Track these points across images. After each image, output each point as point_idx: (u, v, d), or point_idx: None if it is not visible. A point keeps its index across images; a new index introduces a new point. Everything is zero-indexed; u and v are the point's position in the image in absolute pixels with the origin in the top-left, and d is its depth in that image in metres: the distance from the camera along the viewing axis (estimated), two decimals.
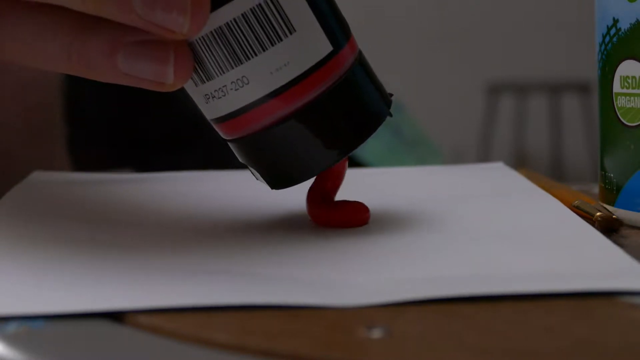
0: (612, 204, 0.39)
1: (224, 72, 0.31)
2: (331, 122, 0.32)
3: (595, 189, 0.45)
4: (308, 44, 0.31)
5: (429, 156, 0.77)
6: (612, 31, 0.38)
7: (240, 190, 0.43)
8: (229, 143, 0.34)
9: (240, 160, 0.34)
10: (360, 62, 0.34)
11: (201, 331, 0.25)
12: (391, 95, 0.35)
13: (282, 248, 0.34)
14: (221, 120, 0.32)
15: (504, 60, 3.41)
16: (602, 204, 0.40)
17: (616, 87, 0.38)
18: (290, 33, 0.31)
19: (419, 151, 0.77)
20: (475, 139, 3.34)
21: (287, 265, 0.31)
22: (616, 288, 0.28)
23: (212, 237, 0.36)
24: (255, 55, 0.31)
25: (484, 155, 3.23)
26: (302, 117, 0.32)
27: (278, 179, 0.34)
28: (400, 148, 0.75)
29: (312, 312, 0.26)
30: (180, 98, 0.63)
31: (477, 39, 3.43)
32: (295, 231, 0.36)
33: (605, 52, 0.39)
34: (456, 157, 3.14)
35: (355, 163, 0.72)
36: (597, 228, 0.36)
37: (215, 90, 0.32)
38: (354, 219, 0.36)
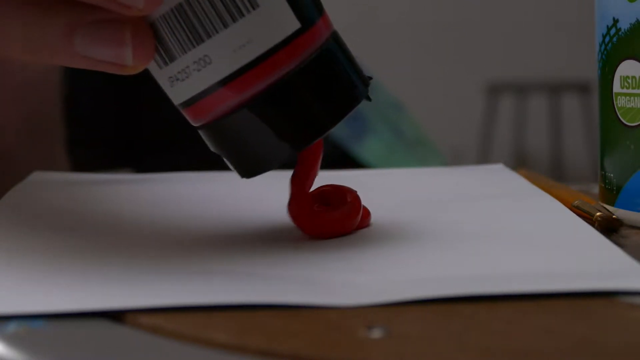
0: (612, 204, 0.39)
1: (185, 52, 0.30)
2: (301, 103, 0.31)
3: (595, 189, 0.45)
4: (273, 21, 0.30)
5: (429, 157, 0.77)
6: (612, 31, 0.38)
7: (240, 190, 0.43)
8: (198, 131, 0.32)
9: (211, 149, 0.33)
10: (335, 41, 0.32)
11: (201, 331, 0.25)
12: (370, 78, 0.33)
13: (282, 248, 0.34)
14: (186, 104, 0.31)
15: (504, 60, 3.42)
16: (602, 204, 0.40)
17: (616, 87, 0.38)
18: (254, 8, 0.30)
19: (419, 152, 0.77)
20: (475, 139, 3.34)
21: (287, 265, 0.31)
22: (616, 288, 0.28)
23: (211, 237, 0.36)
24: (217, 32, 0.29)
25: (483, 155, 3.23)
26: (268, 98, 0.30)
27: (249, 167, 0.32)
28: (401, 148, 0.75)
29: (312, 312, 0.26)
30: None
31: (477, 39, 3.43)
32: (295, 231, 0.36)
33: (605, 52, 0.39)
34: (456, 157, 3.14)
35: (355, 163, 0.72)
36: (597, 228, 0.36)
37: (178, 72, 0.30)
38: (346, 225, 0.35)
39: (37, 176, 0.46)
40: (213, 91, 0.30)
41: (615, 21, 0.38)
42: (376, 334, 0.25)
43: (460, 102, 3.42)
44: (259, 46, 0.30)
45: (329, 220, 0.35)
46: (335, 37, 0.32)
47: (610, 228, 0.37)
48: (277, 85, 0.30)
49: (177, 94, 0.31)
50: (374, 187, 0.45)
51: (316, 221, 0.35)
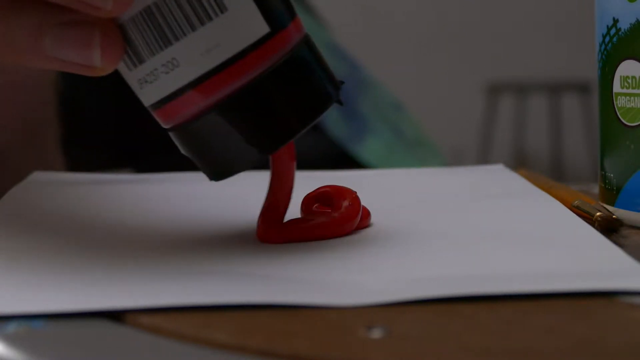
0: (612, 204, 0.39)
1: (154, 54, 0.30)
2: (270, 107, 0.31)
3: (595, 189, 0.45)
4: (241, 25, 0.30)
5: (429, 157, 0.77)
6: (612, 31, 0.38)
7: (240, 190, 0.43)
8: (169, 133, 0.32)
9: (182, 152, 0.32)
10: (307, 44, 0.32)
11: (201, 331, 0.25)
12: (342, 82, 0.33)
13: (282, 248, 0.34)
14: (155, 106, 0.31)
15: (504, 60, 3.41)
16: (602, 204, 0.40)
17: (616, 87, 0.38)
18: (222, 12, 0.29)
19: (419, 152, 0.77)
20: (475, 139, 3.34)
21: (287, 265, 0.31)
22: (616, 288, 0.28)
23: (211, 237, 0.36)
24: (185, 35, 0.29)
25: (483, 155, 3.23)
26: (237, 101, 0.30)
27: (217, 170, 0.32)
28: (401, 148, 0.75)
29: (312, 312, 0.26)
30: None
31: (477, 39, 3.43)
32: None
33: (605, 52, 0.39)
34: (456, 157, 3.14)
35: (355, 163, 0.72)
36: (597, 228, 0.36)
37: (147, 75, 0.30)
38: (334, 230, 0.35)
39: (37, 176, 0.46)
40: (181, 94, 0.30)
41: (615, 21, 0.38)
42: (376, 334, 0.25)
43: (460, 102, 3.42)
44: (227, 50, 0.30)
45: (300, 232, 0.35)
46: (307, 41, 0.32)
47: (610, 228, 0.37)
48: (245, 89, 0.30)
49: (147, 96, 0.31)
50: (374, 187, 0.45)
51: (287, 236, 0.35)
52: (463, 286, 0.28)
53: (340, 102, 0.33)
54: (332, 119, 0.72)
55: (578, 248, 0.33)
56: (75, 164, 0.62)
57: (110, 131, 0.72)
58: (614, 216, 0.37)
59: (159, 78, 0.30)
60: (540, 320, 0.26)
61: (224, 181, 0.44)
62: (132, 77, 0.31)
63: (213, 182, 0.46)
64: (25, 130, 0.56)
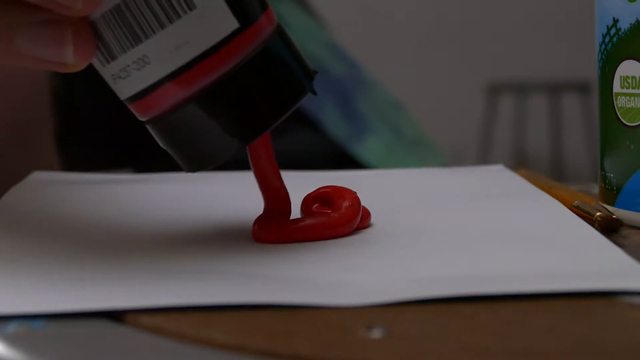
0: (612, 204, 0.39)
1: (125, 52, 0.30)
2: (242, 100, 0.31)
3: (595, 189, 0.45)
4: (210, 21, 0.30)
5: (429, 156, 0.77)
6: (612, 31, 0.38)
7: (240, 190, 0.43)
8: (146, 126, 0.33)
9: (160, 144, 0.33)
10: (280, 35, 0.32)
11: (201, 331, 0.25)
12: (315, 72, 0.33)
13: (282, 248, 0.34)
14: (129, 101, 0.32)
15: (504, 60, 3.41)
16: (602, 204, 0.40)
17: (616, 87, 0.38)
18: (190, 10, 0.30)
19: (419, 151, 0.77)
20: (475, 139, 3.34)
21: (287, 266, 0.31)
22: (616, 288, 0.28)
23: (211, 237, 0.36)
24: (154, 33, 0.30)
25: (483, 155, 3.23)
26: (208, 97, 0.30)
27: (193, 162, 0.32)
28: (401, 148, 0.75)
29: (312, 312, 0.26)
30: None
31: (477, 39, 3.42)
32: None
33: (605, 52, 0.39)
34: (456, 157, 3.14)
35: (355, 163, 0.72)
36: (597, 228, 0.36)
37: (119, 71, 0.31)
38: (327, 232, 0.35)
39: (37, 176, 0.46)
40: (154, 89, 0.31)
41: (615, 21, 0.38)
42: (376, 334, 0.25)
43: (460, 102, 3.41)
44: (196, 47, 0.30)
45: (295, 231, 0.35)
46: (280, 32, 0.32)
47: (610, 228, 0.37)
48: (218, 83, 0.30)
49: (120, 91, 0.32)
50: (374, 187, 0.45)
51: (284, 235, 0.35)
52: (463, 286, 0.28)
53: (314, 92, 0.33)
54: (332, 119, 0.72)
55: (578, 248, 0.33)
56: (72, 163, 0.62)
57: (107, 129, 0.71)
58: (614, 216, 0.37)
59: (131, 74, 0.31)
60: (540, 320, 0.26)
61: (224, 181, 0.44)
62: (105, 72, 0.32)
63: (213, 182, 0.46)
64: (18, 128, 0.56)
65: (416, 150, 0.77)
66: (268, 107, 0.32)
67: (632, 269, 0.30)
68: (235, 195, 0.43)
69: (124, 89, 0.31)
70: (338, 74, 0.74)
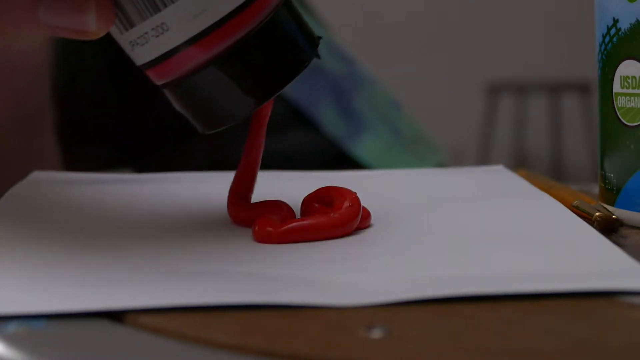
0: (612, 204, 0.39)
1: (144, 19, 0.32)
2: (253, 66, 0.33)
3: (595, 189, 0.45)
4: None
5: (427, 154, 0.77)
6: (612, 31, 0.38)
7: None
8: (162, 90, 0.34)
9: (175, 106, 0.34)
10: (286, 4, 0.34)
11: (201, 331, 0.25)
12: (319, 38, 0.35)
13: (282, 248, 0.34)
14: (147, 66, 0.33)
15: (504, 60, 3.41)
16: (602, 204, 0.40)
17: (616, 87, 0.38)
18: None
19: (417, 149, 0.77)
20: (475, 139, 3.34)
21: (287, 266, 0.31)
22: (616, 288, 0.28)
23: (211, 237, 0.36)
24: (173, 2, 0.31)
25: (483, 155, 3.23)
26: (223, 62, 0.32)
27: (207, 122, 0.34)
28: (398, 146, 0.75)
29: (312, 312, 0.26)
30: None
31: (477, 39, 3.43)
32: None
33: (605, 52, 0.39)
34: (456, 157, 3.14)
35: (352, 161, 0.72)
36: (596, 228, 0.36)
37: (138, 38, 0.32)
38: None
39: (37, 176, 0.46)
40: (171, 55, 0.32)
41: (615, 21, 0.38)
42: (376, 334, 0.25)
43: (460, 102, 3.41)
44: (213, 14, 0.32)
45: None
46: (286, 1, 0.34)
47: (609, 228, 0.37)
48: (233, 48, 0.32)
49: (138, 57, 0.33)
50: (374, 188, 0.45)
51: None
52: (463, 286, 0.28)
53: (318, 57, 0.35)
54: (329, 118, 0.72)
55: (578, 248, 0.33)
56: (73, 157, 0.62)
57: (111, 131, 0.71)
58: (613, 216, 0.37)
59: (149, 41, 0.32)
60: (540, 320, 0.26)
61: (224, 181, 0.44)
62: (123, 39, 0.33)
63: (213, 182, 0.46)
64: (18, 116, 0.56)
65: (414, 148, 0.77)
66: (277, 72, 0.33)
67: (632, 269, 0.30)
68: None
69: (142, 55, 0.33)
70: (336, 72, 0.74)
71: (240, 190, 0.37)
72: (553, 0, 3.40)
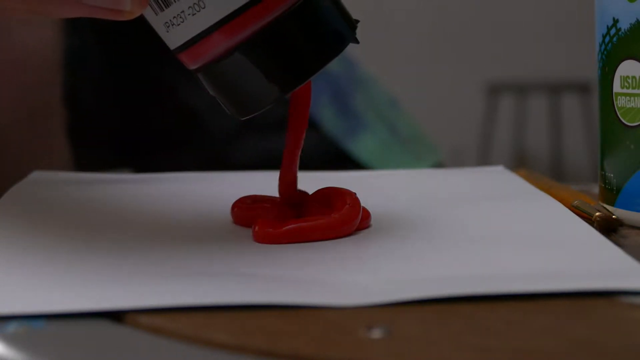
0: (612, 204, 0.39)
1: None
2: (291, 45, 0.32)
3: (595, 189, 0.45)
4: None
5: (426, 154, 0.77)
6: (612, 31, 0.38)
7: (240, 190, 0.43)
8: (196, 75, 0.34)
9: (209, 91, 0.34)
10: None
11: (201, 331, 0.25)
12: (357, 21, 0.34)
13: (282, 248, 0.34)
14: (182, 48, 0.32)
15: (504, 60, 3.41)
16: (602, 204, 0.40)
17: (616, 87, 0.38)
18: None
19: (415, 149, 0.77)
20: (475, 139, 3.34)
21: (288, 266, 0.31)
22: (616, 288, 0.28)
23: (212, 237, 0.36)
24: None
25: (483, 155, 3.23)
26: (259, 41, 0.32)
27: (243, 107, 0.33)
28: (397, 146, 0.75)
29: (312, 312, 0.26)
30: (179, 97, 0.63)
31: (477, 39, 3.42)
32: None
33: (605, 52, 0.39)
34: (456, 157, 3.14)
35: (350, 160, 0.72)
36: (596, 228, 0.36)
37: (174, 17, 0.32)
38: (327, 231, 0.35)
39: (37, 175, 0.46)
40: (207, 35, 0.32)
41: (615, 21, 0.38)
42: (376, 334, 0.25)
43: (460, 102, 3.41)
44: None
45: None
46: None
47: (609, 228, 0.37)
48: (267, 28, 0.31)
49: (173, 39, 0.32)
50: (374, 188, 0.45)
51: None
52: (463, 286, 0.28)
53: (356, 41, 0.34)
54: (327, 116, 0.72)
55: (578, 248, 0.33)
56: (78, 164, 0.62)
57: (111, 131, 0.71)
58: (613, 216, 0.37)
59: (185, 20, 0.32)
60: (540, 320, 0.26)
61: (224, 181, 0.44)
62: (158, 20, 0.32)
63: (213, 182, 0.46)
64: (28, 111, 0.56)
65: (412, 147, 0.77)
66: (312, 55, 0.33)
67: (632, 269, 0.30)
68: (236, 195, 0.43)
69: (177, 37, 0.32)
70: (334, 71, 0.74)
71: (288, 177, 0.37)
72: (553, 0, 3.40)
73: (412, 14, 3.40)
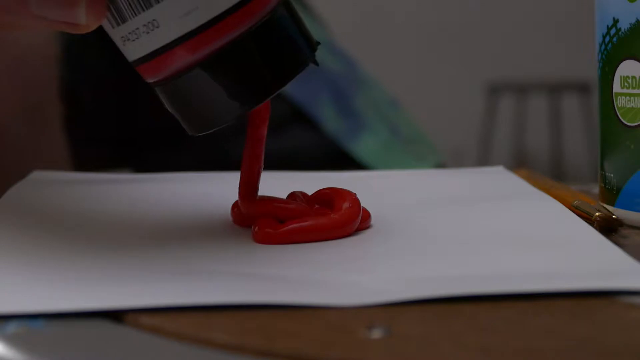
0: (612, 204, 0.39)
1: (135, 15, 0.31)
2: (246, 68, 0.32)
3: (595, 189, 0.45)
4: None
5: (426, 154, 0.77)
6: (612, 31, 0.38)
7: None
8: (154, 88, 0.34)
9: (166, 107, 0.34)
10: (285, 6, 0.33)
11: (201, 331, 0.25)
12: (318, 43, 0.34)
13: (282, 249, 0.34)
14: (137, 63, 0.33)
15: (504, 60, 3.41)
16: (602, 204, 0.40)
17: (616, 87, 0.38)
18: None
19: (416, 149, 0.77)
20: (475, 139, 3.34)
21: (287, 265, 0.31)
22: (616, 288, 0.28)
23: (212, 237, 0.36)
24: None
25: (483, 155, 3.23)
26: (213, 63, 0.31)
27: (197, 124, 0.33)
28: (397, 146, 0.75)
29: (312, 312, 0.26)
30: None
31: (477, 39, 3.43)
32: None
33: (605, 52, 0.39)
34: (456, 157, 3.14)
35: (351, 160, 0.72)
36: (596, 228, 0.36)
37: (129, 33, 0.32)
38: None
39: (37, 175, 0.46)
40: (161, 53, 0.32)
41: (615, 21, 0.38)
42: (376, 334, 0.25)
43: (460, 102, 3.41)
44: (205, 13, 0.31)
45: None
46: (285, 3, 0.33)
47: (609, 228, 0.37)
48: (224, 49, 0.31)
49: (129, 53, 0.32)
50: (375, 188, 0.45)
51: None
52: (463, 286, 0.28)
53: (316, 63, 0.34)
54: (327, 116, 0.72)
55: (578, 248, 0.33)
56: (78, 163, 0.62)
57: (111, 131, 0.71)
58: (613, 216, 0.37)
59: (140, 37, 0.32)
60: (540, 320, 0.26)
61: (224, 181, 0.44)
62: (115, 33, 0.32)
63: (213, 182, 0.46)
64: (26, 106, 0.56)
65: (413, 147, 0.77)
66: (271, 75, 0.33)
67: (632, 269, 0.30)
68: (236, 195, 0.43)
69: (133, 51, 0.32)
70: (335, 71, 0.74)
71: (247, 189, 0.37)
72: (553, 0, 3.40)
73: (412, 14, 3.41)
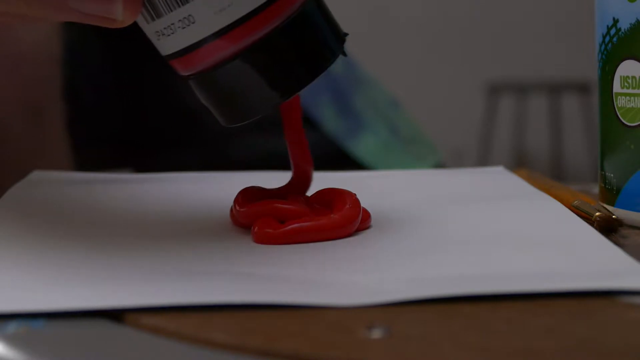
0: (612, 204, 0.39)
1: (171, 10, 0.32)
2: (279, 61, 0.33)
3: (595, 189, 0.45)
4: None
5: (426, 154, 0.77)
6: (612, 31, 0.38)
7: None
8: (188, 82, 0.34)
9: (200, 98, 0.34)
10: (314, 0, 0.34)
11: (201, 331, 0.25)
12: (346, 34, 0.35)
13: (283, 249, 0.34)
14: (172, 57, 0.33)
15: (504, 60, 3.41)
16: (602, 204, 0.40)
17: (616, 87, 0.38)
18: None
19: (416, 149, 0.77)
20: (475, 139, 3.34)
21: (287, 265, 0.31)
22: (616, 288, 0.28)
23: (212, 237, 0.36)
24: None
25: (484, 155, 3.23)
26: (248, 56, 0.32)
27: (230, 116, 0.34)
28: (397, 146, 0.75)
29: (312, 312, 0.26)
30: (179, 95, 0.63)
31: (477, 39, 3.42)
32: None
33: (605, 52, 0.39)
34: (456, 157, 3.14)
35: (351, 160, 0.72)
36: (596, 228, 0.36)
37: (164, 28, 0.32)
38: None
39: (37, 175, 0.46)
40: (196, 47, 0.32)
41: (615, 21, 0.38)
42: (376, 334, 0.25)
43: (460, 102, 3.41)
44: (240, 9, 0.32)
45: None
46: None
47: (609, 228, 0.37)
48: (258, 43, 0.32)
49: (163, 47, 0.33)
50: (375, 188, 0.45)
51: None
52: (463, 286, 0.28)
53: (344, 54, 0.35)
54: (327, 116, 0.72)
55: (578, 248, 0.33)
56: (78, 163, 0.62)
57: (111, 131, 0.71)
58: (613, 216, 0.37)
59: (175, 32, 0.32)
60: (540, 320, 0.26)
61: (224, 181, 0.44)
62: (149, 29, 0.33)
63: (213, 182, 0.46)
64: (28, 105, 0.56)
65: (413, 147, 0.77)
66: (303, 67, 0.34)
67: (632, 268, 0.30)
68: (234, 195, 0.43)
69: (167, 46, 0.33)
70: (335, 71, 0.74)
71: (299, 187, 0.37)
72: (553, 0, 3.40)
73: (413, 14, 3.41)
